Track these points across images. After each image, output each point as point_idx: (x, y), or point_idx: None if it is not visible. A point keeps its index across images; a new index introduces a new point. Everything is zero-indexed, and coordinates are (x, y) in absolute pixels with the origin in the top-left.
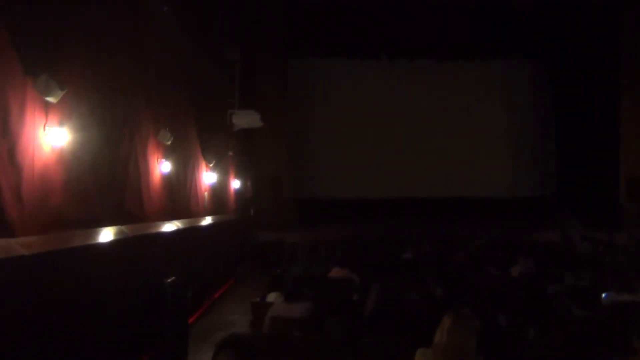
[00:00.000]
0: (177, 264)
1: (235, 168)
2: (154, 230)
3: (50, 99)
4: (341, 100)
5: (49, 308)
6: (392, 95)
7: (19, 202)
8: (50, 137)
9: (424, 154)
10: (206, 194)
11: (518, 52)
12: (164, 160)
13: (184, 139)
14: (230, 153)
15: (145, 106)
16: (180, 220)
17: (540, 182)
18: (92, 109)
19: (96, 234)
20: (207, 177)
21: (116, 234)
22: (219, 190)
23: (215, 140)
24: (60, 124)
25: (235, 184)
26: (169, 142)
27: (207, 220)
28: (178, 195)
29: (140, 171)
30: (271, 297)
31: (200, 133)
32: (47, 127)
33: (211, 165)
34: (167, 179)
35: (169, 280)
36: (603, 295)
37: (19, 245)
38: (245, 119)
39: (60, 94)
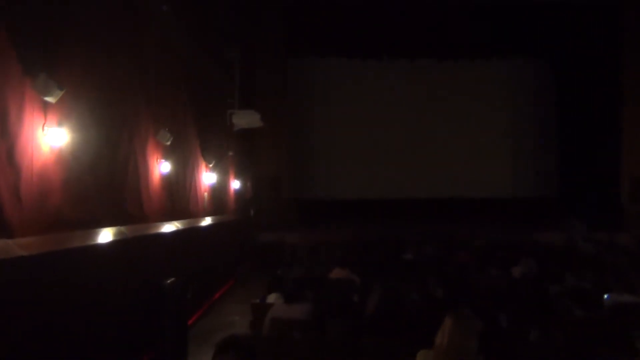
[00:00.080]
0: (176, 265)
1: (235, 168)
2: (153, 231)
3: (49, 99)
4: (341, 100)
5: (48, 309)
6: (393, 95)
7: (17, 203)
8: (49, 137)
9: (424, 154)
10: (206, 194)
11: (519, 52)
12: (163, 160)
13: (183, 139)
14: (230, 153)
15: (144, 106)
16: (180, 221)
17: (542, 183)
18: (91, 109)
19: (95, 234)
20: (207, 178)
21: (115, 234)
22: (218, 191)
23: (215, 141)
24: (59, 124)
25: (235, 184)
26: (168, 142)
27: (207, 221)
28: (177, 196)
29: (140, 171)
30: (271, 298)
31: (200, 133)
32: (45, 127)
33: (211, 165)
34: (166, 180)
35: (168, 281)
36: (605, 296)
37: (17, 246)
38: (245, 119)
39: (59, 93)
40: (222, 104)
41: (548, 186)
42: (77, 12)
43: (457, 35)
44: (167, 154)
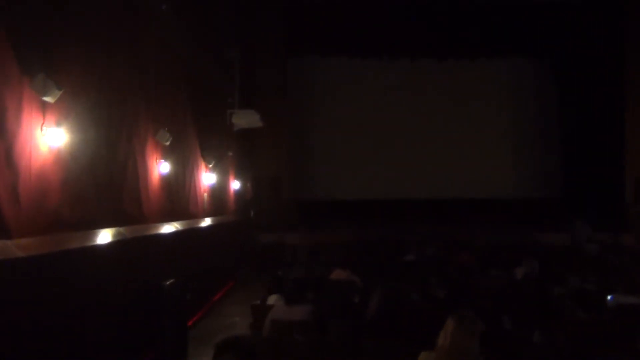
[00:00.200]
0: (176, 266)
1: (235, 168)
2: (152, 232)
3: (48, 99)
4: (342, 100)
5: (47, 310)
6: (394, 95)
7: (15, 203)
8: (48, 137)
9: (425, 155)
10: (205, 194)
11: (521, 51)
12: (162, 160)
13: (183, 139)
14: (230, 153)
15: (144, 106)
16: (179, 222)
17: (544, 183)
18: (90, 109)
19: (94, 235)
20: (207, 178)
21: (114, 235)
22: (218, 191)
23: (214, 141)
24: (58, 124)
25: (235, 184)
26: (167, 143)
27: (207, 222)
28: (177, 196)
29: (139, 172)
30: (272, 299)
31: (200, 133)
32: (44, 128)
33: (211, 165)
34: (165, 180)
35: (168, 282)
36: (608, 297)
37: (15, 247)
38: (245, 119)
39: (58, 93)
40: (222, 104)
41: (550, 187)
42: (76, 12)
43: (458, 35)
44: (167, 154)
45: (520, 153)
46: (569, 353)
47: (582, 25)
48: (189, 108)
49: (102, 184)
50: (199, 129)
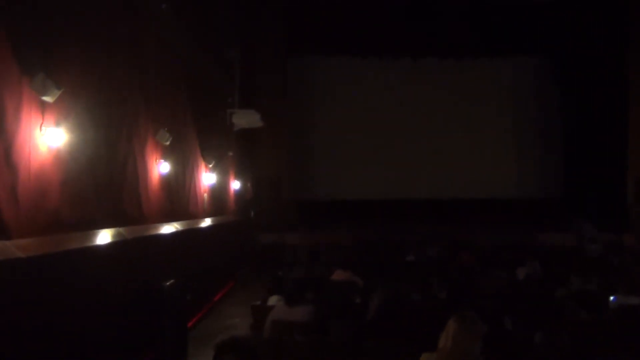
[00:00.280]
0: (176, 267)
1: (235, 168)
2: (152, 232)
3: (47, 99)
4: (342, 100)
5: (46, 311)
6: (395, 95)
7: (14, 204)
8: (47, 137)
9: (427, 154)
10: (205, 195)
11: (523, 50)
12: (162, 160)
13: (183, 139)
14: (230, 153)
15: (143, 106)
16: (179, 222)
17: (546, 183)
18: (90, 109)
19: (93, 236)
20: (207, 178)
21: (114, 236)
22: (218, 191)
23: (214, 141)
24: (57, 124)
25: (235, 184)
26: (167, 143)
27: (207, 222)
28: (177, 197)
29: (139, 172)
30: (272, 300)
31: (200, 133)
32: (43, 127)
33: (211, 165)
34: (165, 180)
35: (167, 283)
36: (611, 298)
37: (15, 248)
38: (245, 119)
39: (57, 93)
40: (222, 104)
41: (551, 187)
42: (76, 12)
43: (460, 34)
44: (167, 154)
45: (521, 153)
46: (571, 354)
47: (583, 24)
48: (189, 108)
49: (101, 184)
50: (199, 129)
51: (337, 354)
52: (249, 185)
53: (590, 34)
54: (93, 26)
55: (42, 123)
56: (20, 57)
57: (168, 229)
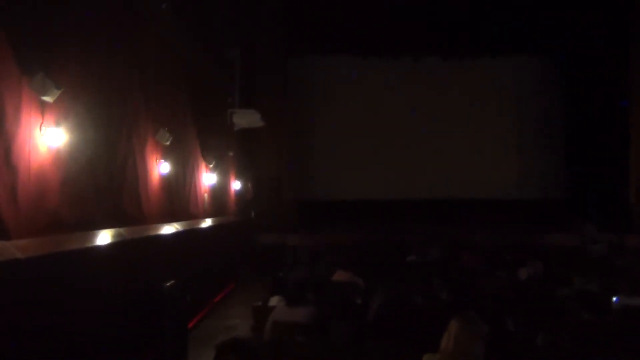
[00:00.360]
0: (176, 267)
1: (235, 169)
2: (152, 233)
3: (47, 99)
4: (343, 100)
5: (46, 312)
6: (396, 95)
7: (14, 204)
8: (47, 137)
9: (427, 154)
10: (206, 195)
11: (524, 50)
12: (162, 161)
13: (183, 139)
14: (231, 153)
15: (143, 106)
16: (180, 223)
17: (548, 184)
18: (90, 109)
19: (93, 236)
20: (207, 178)
21: (114, 236)
22: (219, 192)
23: (215, 141)
24: (57, 124)
25: (235, 185)
26: (167, 143)
27: (207, 223)
28: (177, 197)
29: (139, 172)
30: (273, 301)
31: (200, 133)
32: (43, 127)
33: (211, 166)
34: (165, 180)
35: (168, 284)
36: (614, 299)
37: (14, 248)
38: (245, 119)
39: (57, 93)
40: (222, 104)
41: (553, 187)
42: (76, 12)
43: (461, 33)
44: (167, 154)
45: (523, 153)
46: (574, 355)
47: (585, 24)
48: (189, 108)
49: (101, 184)
50: (199, 129)
51: (338, 354)
52: (249, 185)
53: (592, 34)
54: (93, 26)
55: (41, 123)
56: (20, 57)
57: (168, 229)
